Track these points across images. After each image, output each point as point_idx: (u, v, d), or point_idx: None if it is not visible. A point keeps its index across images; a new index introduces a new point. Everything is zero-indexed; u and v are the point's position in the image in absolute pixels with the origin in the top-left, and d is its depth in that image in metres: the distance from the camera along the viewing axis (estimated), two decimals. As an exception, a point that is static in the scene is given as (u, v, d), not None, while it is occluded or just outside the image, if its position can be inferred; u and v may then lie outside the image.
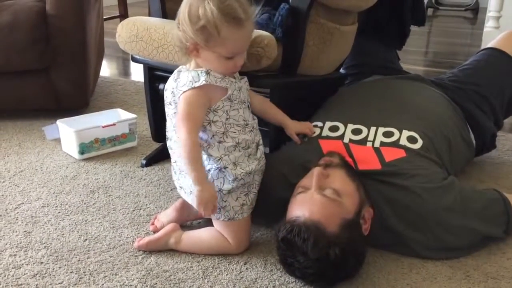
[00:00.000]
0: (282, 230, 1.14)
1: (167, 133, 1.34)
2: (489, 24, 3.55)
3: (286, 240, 1.13)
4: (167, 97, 1.28)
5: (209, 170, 1.23)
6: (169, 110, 1.29)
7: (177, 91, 1.21)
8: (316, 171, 1.22)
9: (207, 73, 1.18)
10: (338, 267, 1.12)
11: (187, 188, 1.29)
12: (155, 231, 1.38)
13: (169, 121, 1.30)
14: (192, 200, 1.27)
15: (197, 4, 1.13)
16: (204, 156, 1.23)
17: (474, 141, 1.66)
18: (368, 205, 1.24)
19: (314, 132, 1.44)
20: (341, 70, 1.83)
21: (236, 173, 1.23)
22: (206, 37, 1.14)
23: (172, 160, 1.33)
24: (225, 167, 1.22)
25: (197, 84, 1.17)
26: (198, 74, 1.18)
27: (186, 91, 1.18)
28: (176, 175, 1.33)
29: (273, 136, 1.50)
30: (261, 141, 1.32)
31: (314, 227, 1.11)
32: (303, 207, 1.16)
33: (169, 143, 1.34)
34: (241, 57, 1.21)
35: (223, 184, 1.23)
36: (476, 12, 5.26)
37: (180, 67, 1.29)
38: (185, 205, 1.39)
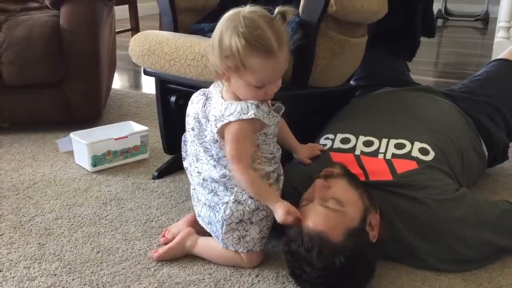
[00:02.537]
0: (287, 241, 1.16)
1: (185, 156, 1.33)
2: (499, 35, 3.55)
3: (291, 251, 1.15)
4: (189, 123, 1.27)
5: (227, 202, 1.23)
6: (189, 136, 1.29)
7: (218, 118, 1.17)
8: (317, 183, 1.23)
9: (257, 106, 1.16)
10: (346, 275, 1.12)
11: (205, 218, 1.30)
12: (166, 243, 1.38)
13: (189, 147, 1.31)
14: (210, 229, 1.30)
15: (227, 32, 1.10)
16: (221, 187, 1.24)
17: (486, 153, 1.66)
18: (374, 212, 1.23)
19: (326, 145, 1.45)
20: (352, 82, 1.84)
21: (258, 204, 1.23)
22: (234, 65, 1.11)
23: (192, 187, 1.34)
24: (250, 197, 1.22)
25: (245, 117, 1.14)
26: (248, 106, 1.15)
27: (232, 121, 1.15)
28: (195, 202, 1.34)
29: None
30: (282, 172, 1.31)
31: (317, 237, 1.12)
32: (306, 219, 1.17)
33: (186, 164, 1.34)
34: (274, 85, 1.17)
35: (244, 215, 1.23)
36: (486, 22, 5.25)
37: (202, 90, 1.28)
38: (196, 219, 1.40)
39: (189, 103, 1.29)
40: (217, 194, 1.25)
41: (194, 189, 1.32)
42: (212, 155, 1.24)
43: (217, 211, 1.25)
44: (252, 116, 1.15)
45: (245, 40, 1.08)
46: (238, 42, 1.08)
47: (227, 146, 1.18)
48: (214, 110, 1.20)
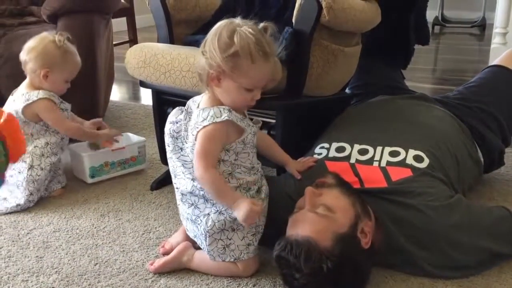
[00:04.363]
0: (276, 249, 1.17)
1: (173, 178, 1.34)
2: (496, 41, 3.55)
3: (280, 257, 1.16)
4: (166, 140, 1.29)
5: (208, 214, 1.24)
6: (168, 153, 1.31)
7: (194, 127, 1.20)
8: (308, 190, 1.25)
9: (230, 111, 1.19)
10: (335, 281, 1.13)
11: (191, 232, 1.32)
12: (164, 254, 1.39)
13: (169, 162, 1.31)
14: (197, 242, 1.31)
15: (227, 32, 1.15)
16: (201, 200, 1.25)
17: (482, 159, 1.66)
18: (367, 219, 1.24)
19: (321, 154, 1.45)
20: (347, 90, 1.85)
21: None
22: (234, 65, 1.15)
23: (177, 203, 1.34)
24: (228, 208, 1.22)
25: (218, 120, 1.18)
26: (220, 111, 1.19)
27: (207, 125, 1.18)
28: (181, 217, 1.35)
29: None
30: (264, 182, 1.32)
31: (305, 243, 1.13)
32: (296, 225, 1.19)
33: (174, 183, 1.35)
34: (259, 91, 1.22)
35: (225, 224, 1.24)
36: (483, 29, 5.27)
37: (180, 108, 1.30)
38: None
39: (166, 122, 1.31)
40: (198, 207, 1.26)
41: (179, 204, 1.33)
42: (191, 168, 1.24)
43: (198, 224, 1.26)
44: (226, 118, 1.18)
45: (250, 40, 1.13)
46: (245, 39, 1.13)
47: (196, 145, 1.20)
48: (192, 121, 1.23)
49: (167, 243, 1.43)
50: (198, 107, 1.25)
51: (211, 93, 1.23)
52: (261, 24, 1.19)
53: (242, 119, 1.23)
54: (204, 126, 1.18)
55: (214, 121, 1.18)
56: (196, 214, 1.26)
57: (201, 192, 1.23)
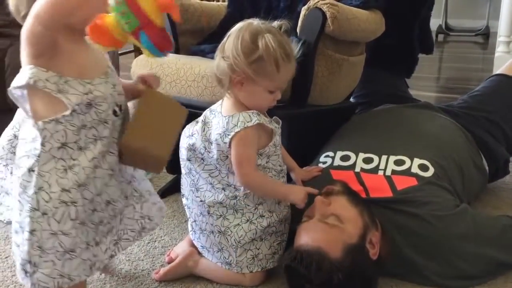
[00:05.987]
0: (286, 259, 1.17)
1: (182, 191, 1.35)
2: (499, 49, 3.57)
3: (290, 267, 1.15)
4: (183, 154, 1.29)
5: (238, 224, 1.24)
6: (184, 169, 1.31)
7: (224, 134, 1.19)
8: (317, 200, 1.25)
9: (258, 114, 1.20)
10: None
11: (213, 246, 1.30)
12: (170, 263, 1.39)
13: (184, 179, 1.32)
14: (217, 258, 1.29)
15: (250, 35, 1.14)
16: (230, 211, 1.25)
17: (487, 168, 1.66)
18: (374, 229, 1.24)
19: (326, 163, 1.46)
20: (351, 99, 1.86)
21: (270, 221, 1.25)
22: (258, 69, 1.15)
23: (191, 220, 1.34)
24: (261, 216, 1.24)
25: (250, 124, 1.18)
26: (249, 115, 1.19)
27: (239, 131, 1.18)
28: (197, 234, 1.34)
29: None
30: None
31: (316, 253, 1.13)
32: (305, 235, 1.19)
33: (185, 202, 1.35)
34: (280, 92, 1.23)
35: (256, 233, 1.25)
36: (487, 37, 5.29)
37: (194, 121, 1.30)
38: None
39: (182, 136, 1.30)
40: (227, 218, 1.25)
41: (195, 221, 1.32)
42: (220, 177, 1.24)
43: (229, 235, 1.25)
44: (257, 121, 1.18)
45: (275, 44, 1.13)
46: (271, 44, 1.12)
47: (233, 152, 1.19)
48: (216, 129, 1.22)
49: (172, 252, 1.43)
50: (221, 114, 1.23)
51: (233, 98, 1.22)
52: (276, 23, 1.20)
53: (269, 121, 1.23)
54: (237, 132, 1.18)
55: (245, 126, 1.18)
56: (226, 225, 1.25)
57: (232, 202, 1.24)
